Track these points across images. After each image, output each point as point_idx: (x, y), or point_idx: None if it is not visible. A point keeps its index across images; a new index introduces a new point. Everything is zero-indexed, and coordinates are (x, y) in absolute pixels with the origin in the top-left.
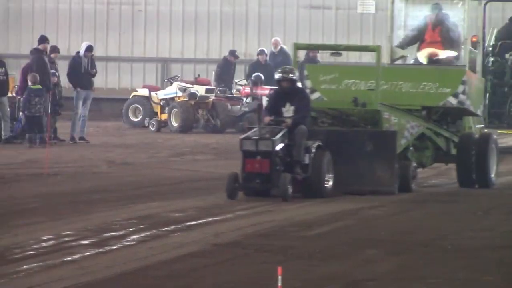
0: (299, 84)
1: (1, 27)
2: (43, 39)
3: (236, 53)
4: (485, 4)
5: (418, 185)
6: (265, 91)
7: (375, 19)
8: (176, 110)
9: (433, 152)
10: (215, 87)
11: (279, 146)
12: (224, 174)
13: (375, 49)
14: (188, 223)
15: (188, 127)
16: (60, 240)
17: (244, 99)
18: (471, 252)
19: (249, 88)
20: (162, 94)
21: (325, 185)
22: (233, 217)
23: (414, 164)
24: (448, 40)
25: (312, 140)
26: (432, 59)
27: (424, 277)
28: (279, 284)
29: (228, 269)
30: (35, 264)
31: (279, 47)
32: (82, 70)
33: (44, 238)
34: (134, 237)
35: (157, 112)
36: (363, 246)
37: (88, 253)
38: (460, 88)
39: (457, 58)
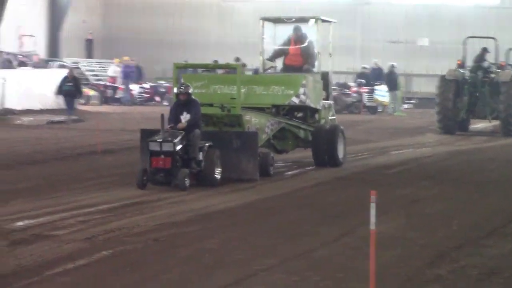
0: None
1: None
2: None
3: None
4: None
5: (275, 169)
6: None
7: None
8: None
9: (294, 141)
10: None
11: (179, 147)
12: None
13: (236, 66)
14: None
15: None
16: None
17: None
18: None
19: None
20: None
21: (216, 176)
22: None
23: (272, 154)
24: (306, 53)
25: (203, 140)
26: (294, 68)
27: None
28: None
29: None
30: None
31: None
32: None
33: None
34: None
35: None
36: None
37: None
38: (301, 90)
39: (313, 66)
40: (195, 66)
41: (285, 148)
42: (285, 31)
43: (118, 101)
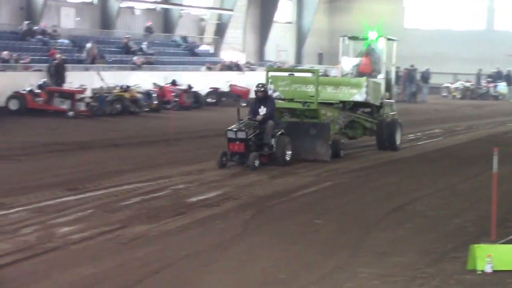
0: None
1: None
2: None
3: None
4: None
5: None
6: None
7: None
8: None
9: (362, 130)
10: None
11: (250, 135)
12: None
13: (314, 72)
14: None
15: None
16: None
17: None
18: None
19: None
20: None
21: (286, 158)
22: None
23: (342, 140)
24: (374, 63)
25: (277, 129)
26: (365, 75)
27: None
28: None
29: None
30: None
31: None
32: None
33: None
34: None
35: None
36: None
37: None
38: (363, 90)
39: (379, 73)
40: (283, 71)
41: (355, 136)
42: (359, 46)
43: None
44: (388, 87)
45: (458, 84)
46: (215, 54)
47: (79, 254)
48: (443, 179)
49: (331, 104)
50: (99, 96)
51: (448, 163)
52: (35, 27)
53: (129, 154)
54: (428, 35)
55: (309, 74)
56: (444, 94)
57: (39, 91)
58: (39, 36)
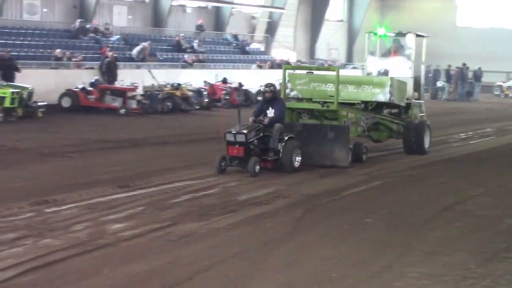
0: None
1: None
2: None
3: None
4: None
5: (367, 158)
6: None
7: None
8: None
9: (388, 132)
10: None
11: (253, 138)
12: None
13: (335, 69)
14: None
15: None
16: None
17: None
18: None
19: None
20: None
21: (294, 164)
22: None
23: (364, 144)
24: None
25: (288, 131)
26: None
27: None
28: None
29: None
30: None
31: None
32: None
33: None
34: None
35: None
36: None
37: None
38: (386, 89)
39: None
40: (301, 68)
41: (380, 139)
42: (386, 42)
43: None
44: (417, 87)
45: (510, 83)
46: (266, 52)
47: (130, 251)
48: (495, 178)
49: (353, 104)
50: (150, 94)
51: (500, 162)
52: (88, 25)
53: (179, 152)
54: (480, 33)
55: (330, 72)
56: (497, 93)
57: (91, 88)
58: (92, 34)
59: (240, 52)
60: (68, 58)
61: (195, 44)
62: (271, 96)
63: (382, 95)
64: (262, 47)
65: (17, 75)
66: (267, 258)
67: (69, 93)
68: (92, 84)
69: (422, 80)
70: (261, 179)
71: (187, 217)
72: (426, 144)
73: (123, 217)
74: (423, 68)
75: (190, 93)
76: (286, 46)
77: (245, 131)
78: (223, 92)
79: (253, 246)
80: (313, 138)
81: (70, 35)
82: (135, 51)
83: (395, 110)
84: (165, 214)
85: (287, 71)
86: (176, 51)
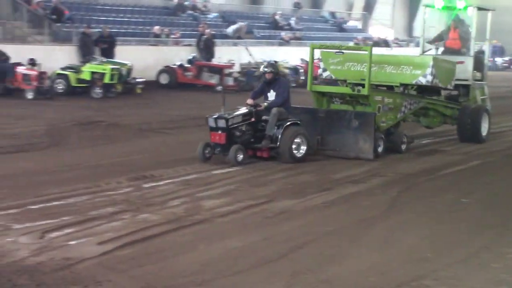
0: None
1: None
2: None
3: None
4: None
5: (408, 148)
6: None
7: None
8: None
9: (440, 118)
10: None
11: (237, 123)
12: None
13: (367, 49)
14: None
15: None
16: None
17: None
18: None
19: None
20: None
21: (295, 154)
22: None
23: (404, 133)
24: (464, 38)
25: (293, 116)
26: (453, 50)
27: None
28: None
29: None
30: None
31: None
32: None
33: None
34: None
35: None
36: None
37: None
38: (428, 70)
39: (468, 49)
40: (329, 47)
41: (430, 125)
42: (445, 17)
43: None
44: (479, 66)
45: None
46: (363, 30)
47: (225, 227)
48: None
49: (391, 87)
50: (247, 71)
51: None
52: (186, 2)
53: None
54: None
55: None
56: None
57: (188, 65)
58: (190, 11)
59: (337, 29)
60: (166, 35)
61: (292, 21)
62: (272, 77)
63: (423, 77)
64: (359, 25)
65: (117, 51)
66: (362, 237)
67: (167, 69)
68: (189, 61)
69: (486, 59)
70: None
71: (283, 194)
72: (484, 131)
73: (218, 193)
74: (487, 46)
75: (286, 71)
76: (384, 24)
77: (227, 116)
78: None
79: (348, 224)
80: (336, 126)
81: (168, 12)
82: (230, 29)
83: (455, 92)
84: (260, 191)
85: (319, 50)
86: (273, 29)
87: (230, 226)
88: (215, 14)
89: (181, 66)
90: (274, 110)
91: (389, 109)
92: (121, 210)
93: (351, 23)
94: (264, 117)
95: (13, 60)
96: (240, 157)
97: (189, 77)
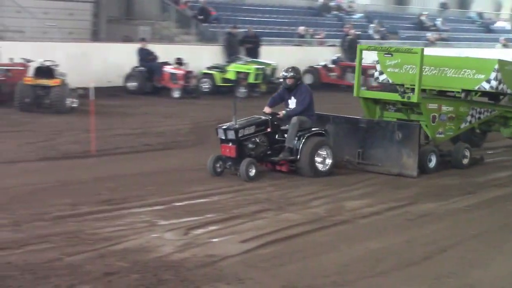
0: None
1: None
2: None
3: None
4: None
5: (471, 162)
6: None
7: None
8: None
9: None
10: None
11: (248, 135)
12: None
13: (418, 51)
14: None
15: None
16: None
17: None
18: None
19: None
20: None
21: (318, 168)
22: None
23: (467, 146)
24: None
25: (319, 126)
26: None
27: None
28: None
29: None
30: None
31: None
32: None
33: None
34: None
35: None
36: None
37: None
38: (492, 75)
39: None
40: (378, 49)
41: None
42: None
43: None
44: None
45: None
46: None
47: (366, 228)
48: None
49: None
50: None
51: None
52: (331, 3)
53: None
54: None
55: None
56: None
57: (332, 66)
58: (335, 12)
59: (484, 30)
60: (311, 36)
61: (438, 22)
62: (293, 82)
63: (487, 83)
64: (508, 26)
65: (262, 51)
66: (506, 241)
67: (311, 70)
68: (333, 62)
69: None
70: (503, 159)
71: (425, 196)
72: None
73: (360, 194)
74: None
75: None
76: None
77: (237, 127)
78: None
79: (492, 229)
80: (378, 138)
81: (313, 12)
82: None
83: None
84: (402, 193)
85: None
86: (418, 29)
87: (371, 228)
88: (360, 15)
89: (325, 66)
90: (294, 119)
91: (449, 119)
92: (263, 209)
93: (499, 24)
94: (283, 127)
95: (160, 59)
96: (253, 171)
97: (333, 78)
